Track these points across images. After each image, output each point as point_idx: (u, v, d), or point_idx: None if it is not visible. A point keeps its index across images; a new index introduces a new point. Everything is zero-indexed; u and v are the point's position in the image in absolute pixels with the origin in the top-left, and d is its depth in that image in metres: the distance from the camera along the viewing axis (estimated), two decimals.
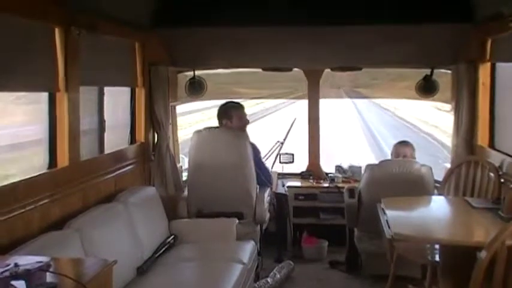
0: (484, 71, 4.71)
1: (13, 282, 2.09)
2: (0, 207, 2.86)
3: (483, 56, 4.65)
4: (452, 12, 4.63)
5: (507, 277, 2.79)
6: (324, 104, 6.06)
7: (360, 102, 29.29)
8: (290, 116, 6.62)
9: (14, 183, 3.08)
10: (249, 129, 5.34)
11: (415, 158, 5.16)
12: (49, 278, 2.20)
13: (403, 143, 5.33)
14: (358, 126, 23.92)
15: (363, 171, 5.27)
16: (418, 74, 5.64)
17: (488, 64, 4.67)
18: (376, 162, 5.06)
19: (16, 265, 2.15)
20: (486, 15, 4.40)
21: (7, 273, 2.10)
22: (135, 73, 4.82)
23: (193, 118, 18.53)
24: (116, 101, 4.86)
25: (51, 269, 2.20)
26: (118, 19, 4.22)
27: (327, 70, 6.00)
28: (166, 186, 5.01)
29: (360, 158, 6.63)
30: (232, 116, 5.15)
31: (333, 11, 4.75)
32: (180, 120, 6.45)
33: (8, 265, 2.18)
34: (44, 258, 2.31)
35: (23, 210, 3.04)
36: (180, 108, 6.19)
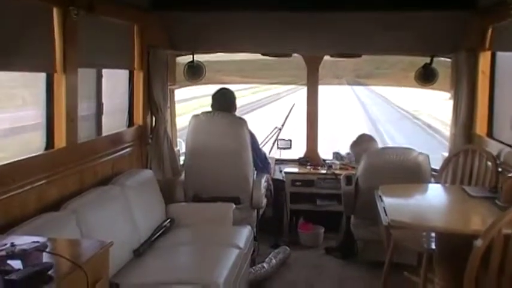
0: (484, 59, 4.69)
1: (9, 262, 2.09)
2: None
3: (483, 44, 4.63)
4: None
5: (503, 265, 2.80)
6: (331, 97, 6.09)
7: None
8: (291, 104, 6.59)
9: (11, 163, 3.06)
10: (251, 117, 5.36)
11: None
12: (45, 258, 2.20)
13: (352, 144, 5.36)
14: None
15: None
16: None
17: (489, 53, 4.65)
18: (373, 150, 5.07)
19: (12, 245, 2.16)
20: (487, 3, 4.37)
21: (3, 253, 2.10)
22: (134, 56, 4.78)
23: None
24: (114, 84, 4.83)
25: (47, 249, 2.20)
26: (117, 0, 4.18)
27: (327, 58, 5.97)
28: (164, 170, 5.00)
29: None
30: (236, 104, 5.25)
31: None
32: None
33: (4, 245, 2.18)
34: (40, 239, 2.31)
35: (19, 191, 3.04)
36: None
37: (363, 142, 5.32)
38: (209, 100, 5.27)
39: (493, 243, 2.75)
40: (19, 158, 3.15)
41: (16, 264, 2.09)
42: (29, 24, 3.24)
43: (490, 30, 4.56)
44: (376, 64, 6.73)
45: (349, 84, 8.34)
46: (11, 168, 3.03)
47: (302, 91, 6.29)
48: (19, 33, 3.14)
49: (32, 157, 3.29)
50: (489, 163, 4.29)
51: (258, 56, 6.09)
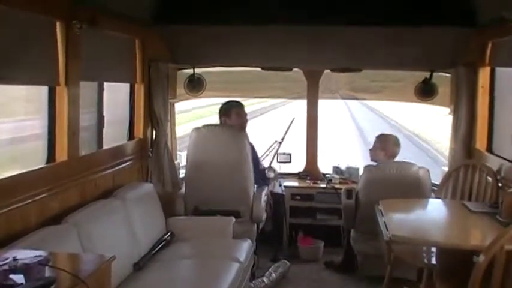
0: (483, 74, 4.71)
1: (11, 276, 2.08)
2: None
3: (483, 60, 4.66)
4: (453, 15, 4.63)
5: (505, 282, 2.79)
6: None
7: None
8: (287, 114, 6.59)
9: (12, 176, 3.07)
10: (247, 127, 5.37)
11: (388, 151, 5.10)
12: (48, 272, 2.19)
13: (379, 136, 5.21)
14: None
15: (360, 173, 5.29)
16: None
17: (488, 68, 4.68)
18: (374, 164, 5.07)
19: (15, 259, 2.15)
20: (487, 19, 4.40)
21: (6, 267, 2.09)
22: (135, 69, 4.80)
23: None
24: (115, 97, 4.84)
25: (50, 264, 2.19)
26: (119, 15, 4.20)
27: (326, 71, 5.99)
28: (164, 183, 5.00)
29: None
30: (231, 113, 5.19)
31: (334, 12, 4.75)
32: None
33: (6, 259, 2.17)
34: (42, 253, 2.30)
35: (20, 204, 3.03)
36: None
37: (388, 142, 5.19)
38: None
39: (495, 259, 2.75)
40: (20, 172, 3.16)
41: (18, 278, 2.08)
42: (33, 38, 3.26)
43: (489, 46, 4.59)
44: (371, 77, 6.70)
45: (342, 98, 8.25)
46: (13, 181, 3.03)
47: (300, 101, 6.25)
48: (23, 46, 3.15)
49: (34, 170, 3.28)
50: (489, 178, 4.30)
51: (243, 68, 6.09)
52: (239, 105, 5.31)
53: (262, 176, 5.31)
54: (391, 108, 26.33)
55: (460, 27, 4.67)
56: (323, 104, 6.25)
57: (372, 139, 5.46)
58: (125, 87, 4.86)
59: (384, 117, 28.19)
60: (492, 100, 4.73)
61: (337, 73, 6.08)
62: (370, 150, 5.21)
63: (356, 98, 8.22)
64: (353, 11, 4.72)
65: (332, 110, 25.46)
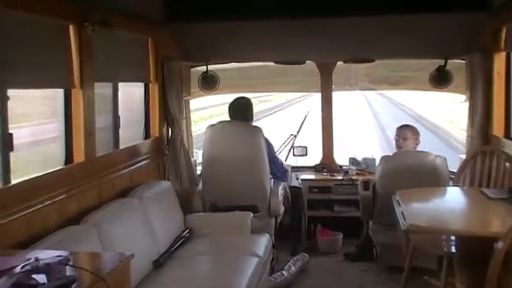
0: (498, 60, 4.66)
1: (34, 276, 2.13)
2: (19, 203, 2.91)
3: (497, 45, 4.60)
4: (465, 0, 4.59)
5: None
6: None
7: None
8: (304, 110, 6.59)
9: (32, 179, 3.12)
10: (263, 123, 5.40)
11: (418, 141, 5.20)
12: (68, 271, 2.23)
13: (405, 126, 5.34)
14: None
15: (377, 163, 5.28)
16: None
17: (503, 53, 4.62)
18: (390, 154, 5.06)
19: (37, 259, 2.19)
20: (501, 3, 4.35)
21: (28, 267, 2.14)
22: (149, 68, 4.84)
23: None
24: (130, 96, 4.89)
25: (70, 263, 2.23)
26: (131, 15, 4.24)
27: (339, 64, 5.98)
28: (181, 180, 5.04)
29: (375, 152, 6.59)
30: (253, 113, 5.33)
31: (346, 3, 4.73)
32: None
33: (28, 259, 2.22)
34: (63, 253, 2.34)
35: (41, 206, 3.09)
36: None
37: (401, 129, 5.29)
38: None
39: None
40: (40, 174, 3.21)
41: (41, 278, 2.13)
42: (47, 42, 3.31)
43: (503, 31, 4.53)
44: (391, 67, 6.64)
45: (361, 89, 8.17)
46: (32, 184, 3.08)
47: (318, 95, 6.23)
48: (38, 51, 3.20)
49: (52, 172, 3.33)
50: (507, 164, 4.25)
51: (259, 64, 6.09)
52: None
53: (281, 170, 5.31)
54: (408, 98, 26.19)
55: (473, 12, 4.62)
56: (340, 96, 6.22)
57: (389, 129, 5.45)
58: (139, 86, 4.90)
59: (399, 106, 28.05)
60: (508, 85, 4.67)
61: (354, 65, 6.06)
62: (398, 141, 5.22)
63: (375, 89, 8.11)
64: (365, 1, 4.69)
65: (350, 101, 25.34)
